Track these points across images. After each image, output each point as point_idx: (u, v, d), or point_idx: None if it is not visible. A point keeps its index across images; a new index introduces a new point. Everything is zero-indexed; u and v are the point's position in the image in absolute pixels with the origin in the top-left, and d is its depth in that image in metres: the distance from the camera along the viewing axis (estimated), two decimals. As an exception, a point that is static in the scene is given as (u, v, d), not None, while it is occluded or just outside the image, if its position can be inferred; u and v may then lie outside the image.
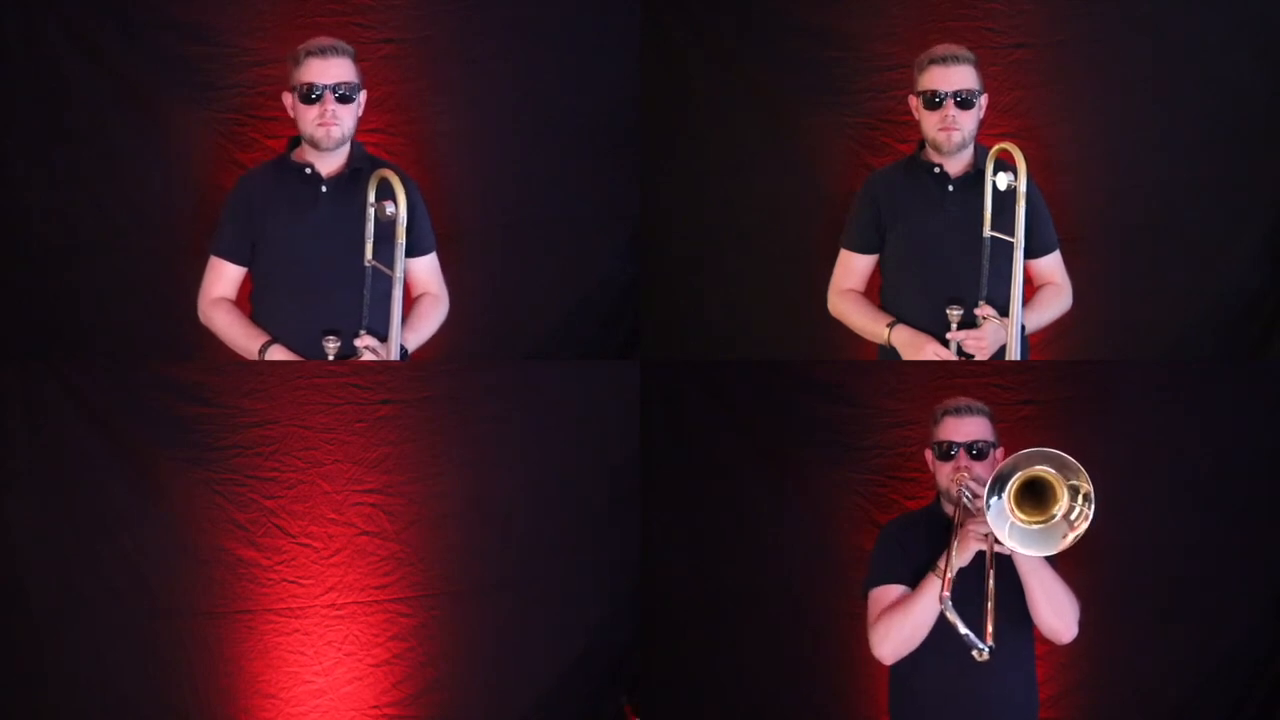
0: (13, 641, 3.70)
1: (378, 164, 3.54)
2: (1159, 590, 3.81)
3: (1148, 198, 3.94)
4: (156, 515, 3.72)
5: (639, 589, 3.79)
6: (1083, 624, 3.34)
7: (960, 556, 3.20)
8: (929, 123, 3.56)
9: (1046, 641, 3.38)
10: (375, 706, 3.75)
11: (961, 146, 3.55)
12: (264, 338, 3.51)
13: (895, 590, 3.35)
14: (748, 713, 3.88)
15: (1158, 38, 3.90)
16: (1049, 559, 3.24)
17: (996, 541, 3.15)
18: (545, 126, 3.92)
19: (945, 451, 3.41)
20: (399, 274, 3.38)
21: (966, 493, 3.30)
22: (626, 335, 3.94)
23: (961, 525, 3.24)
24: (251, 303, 3.59)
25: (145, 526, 3.71)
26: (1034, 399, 3.81)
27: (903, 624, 3.28)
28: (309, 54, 3.47)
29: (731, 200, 3.98)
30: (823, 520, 3.86)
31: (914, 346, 3.55)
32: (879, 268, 3.70)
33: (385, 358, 3.45)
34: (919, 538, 3.41)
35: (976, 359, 3.53)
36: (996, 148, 3.47)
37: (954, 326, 3.52)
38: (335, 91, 3.46)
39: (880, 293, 3.69)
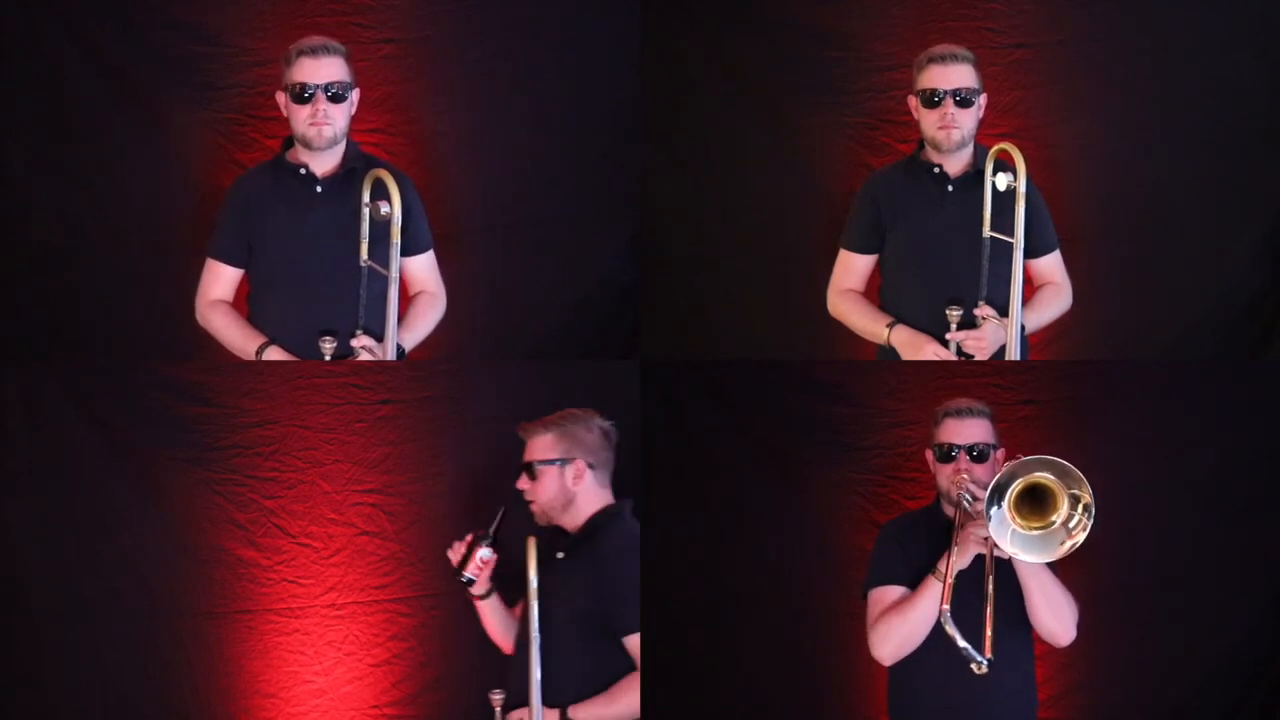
0: (13, 641, 3.70)
1: (373, 163, 3.54)
2: (1159, 590, 3.80)
3: (1148, 198, 3.93)
4: (156, 515, 3.72)
5: (639, 589, 3.79)
6: (1082, 624, 3.34)
7: (960, 560, 3.20)
8: (928, 122, 3.56)
9: (1046, 642, 3.38)
10: (375, 706, 3.75)
11: (961, 145, 3.55)
12: (261, 339, 3.51)
13: (895, 591, 3.35)
14: (748, 712, 3.88)
15: (1158, 38, 3.90)
16: (1048, 562, 3.24)
17: (996, 545, 3.15)
18: (545, 126, 3.92)
19: (946, 453, 3.41)
20: (394, 274, 3.38)
21: (966, 495, 3.29)
22: (626, 335, 3.93)
23: (961, 528, 3.24)
24: (249, 304, 3.60)
25: (145, 526, 3.72)
26: (1034, 399, 3.81)
27: (901, 626, 3.28)
28: (300, 53, 3.47)
29: (731, 200, 3.98)
30: (823, 520, 3.85)
31: (913, 346, 3.55)
32: (879, 268, 3.70)
33: (381, 358, 3.45)
34: (919, 538, 3.41)
35: (976, 359, 3.53)
36: (996, 148, 3.47)
37: (954, 327, 3.52)
38: (327, 91, 3.46)
39: (880, 293, 3.69)
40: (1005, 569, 3.25)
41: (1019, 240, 3.43)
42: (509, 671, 3.38)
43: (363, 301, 3.47)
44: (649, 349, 3.88)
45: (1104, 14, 3.91)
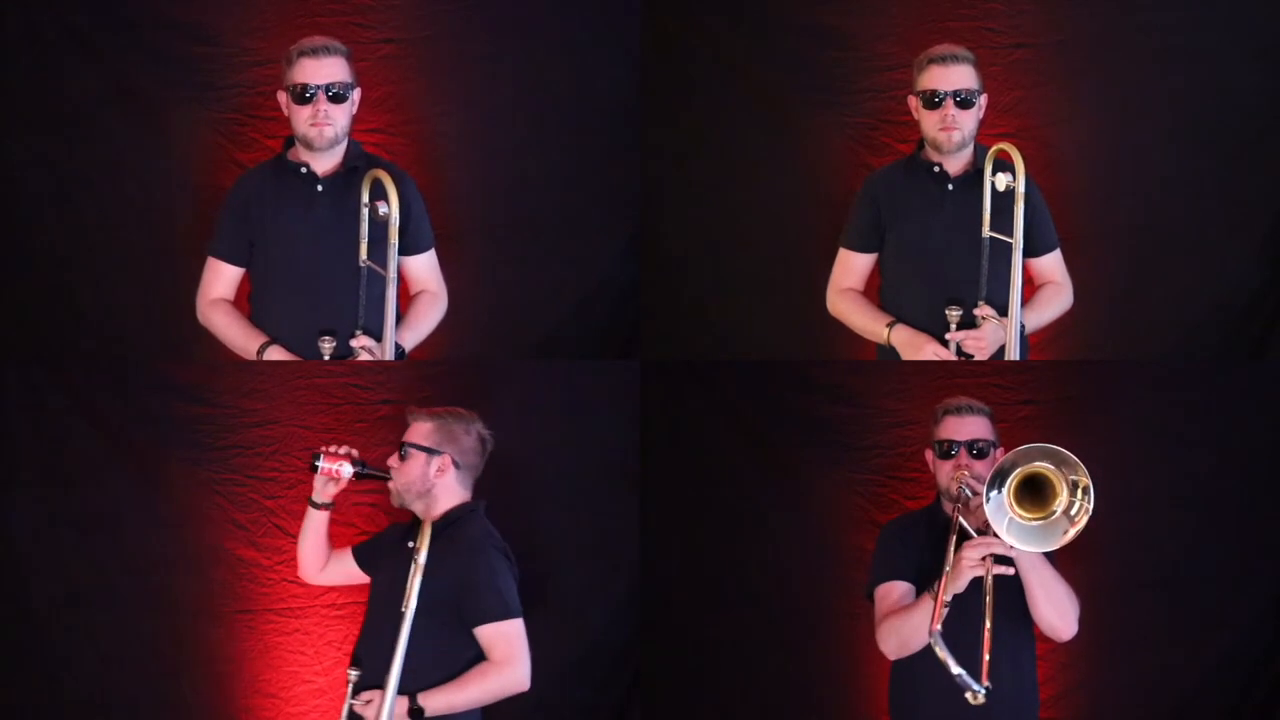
0: (13, 641, 3.70)
1: (374, 162, 3.54)
2: (1159, 590, 3.80)
3: (1148, 198, 3.93)
4: (156, 515, 3.72)
5: (639, 589, 3.79)
6: (1083, 624, 3.34)
7: (955, 583, 3.17)
8: (929, 122, 3.56)
9: (1047, 641, 3.38)
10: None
11: (961, 146, 3.56)
12: (262, 338, 3.51)
13: (899, 586, 3.35)
14: (748, 712, 3.88)
15: (1157, 38, 3.90)
16: (1049, 556, 3.24)
17: (996, 561, 3.14)
18: (545, 126, 3.92)
19: (946, 450, 3.41)
20: (392, 274, 3.38)
21: (967, 491, 3.30)
22: (626, 335, 3.93)
23: (959, 548, 3.21)
24: (250, 303, 3.60)
25: (145, 526, 3.72)
26: (1034, 399, 3.81)
27: (901, 629, 3.28)
28: (301, 54, 3.47)
29: (731, 200, 3.98)
30: (823, 520, 3.86)
31: (913, 346, 3.55)
32: (878, 267, 3.70)
33: (380, 358, 3.45)
34: (919, 537, 3.41)
35: (976, 359, 3.53)
36: (995, 148, 3.47)
37: (953, 327, 3.52)
38: (328, 91, 3.47)
39: (880, 292, 3.69)
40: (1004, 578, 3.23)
41: (1018, 240, 3.43)
42: (361, 651, 3.35)
43: (362, 301, 3.47)
44: (649, 349, 3.88)
45: (1104, 14, 3.91)
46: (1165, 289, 3.95)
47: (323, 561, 3.53)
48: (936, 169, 3.59)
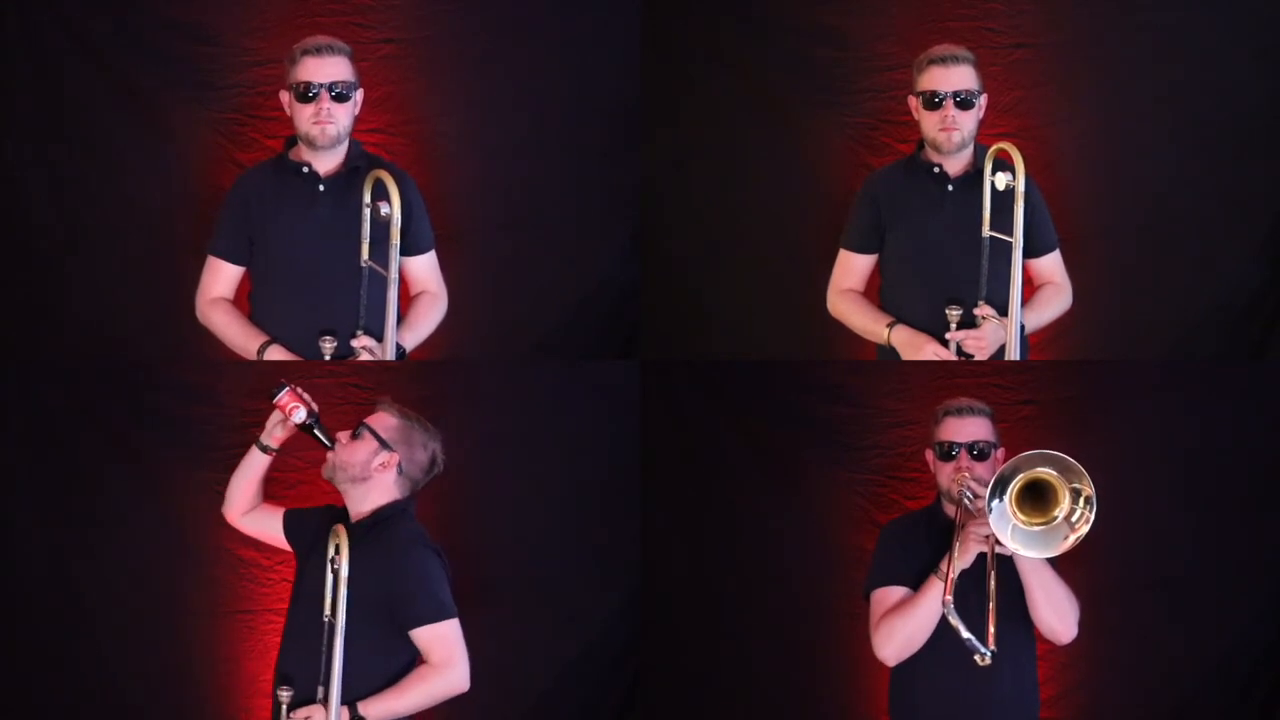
0: (13, 641, 3.70)
1: (376, 163, 3.54)
2: (1159, 590, 3.81)
3: (1148, 197, 3.93)
4: (156, 515, 3.72)
5: (639, 589, 3.79)
6: (1083, 624, 3.34)
7: (962, 559, 3.20)
8: (929, 123, 3.56)
9: (1046, 641, 3.38)
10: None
11: (961, 146, 3.55)
12: (263, 338, 3.51)
13: (897, 592, 3.35)
14: (748, 712, 3.88)
15: (1158, 38, 3.90)
16: (1050, 559, 3.24)
17: (998, 543, 3.15)
18: (545, 126, 3.92)
19: (946, 452, 3.41)
20: (393, 274, 3.38)
21: (967, 493, 3.30)
22: (626, 335, 3.93)
23: (963, 527, 3.24)
24: (250, 302, 3.60)
25: (145, 526, 3.72)
26: (1034, 399, 3.81)
27: (904, 626, 3.28)
28: (305, 53, 3.47)
29: (731, 200, 3.98)
30: (823, 520, 3.86)
31: (914, 347, 3.55)
32: (878, 267, 3.70)
33: (381, 358, 3.45)
34: (920, 538, 3.41)
35: (976, 359, 3.53)
36: (995, 148, 3.47)
37: (953, 327, 3.52)
38: (331, 90, 3.47)
39: (880, 292, 3.69)
40: (1006, 567, 3.25)
41: (1018, 240, 3.43)
42: (288, 666, 3.28)
43: (363, 302, 3.47)
44: (649, 349, 3.88)
45: (1104, 14, 3.91)
46: (1165, 289, 3.95)
47: (248, 506, 3.46)
48: (936, 169, 3.59)
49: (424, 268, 3.65)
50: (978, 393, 3.66)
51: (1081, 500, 3.06)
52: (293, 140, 3.56)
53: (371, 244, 3.47)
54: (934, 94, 3.53)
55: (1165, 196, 3.93)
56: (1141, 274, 3.95)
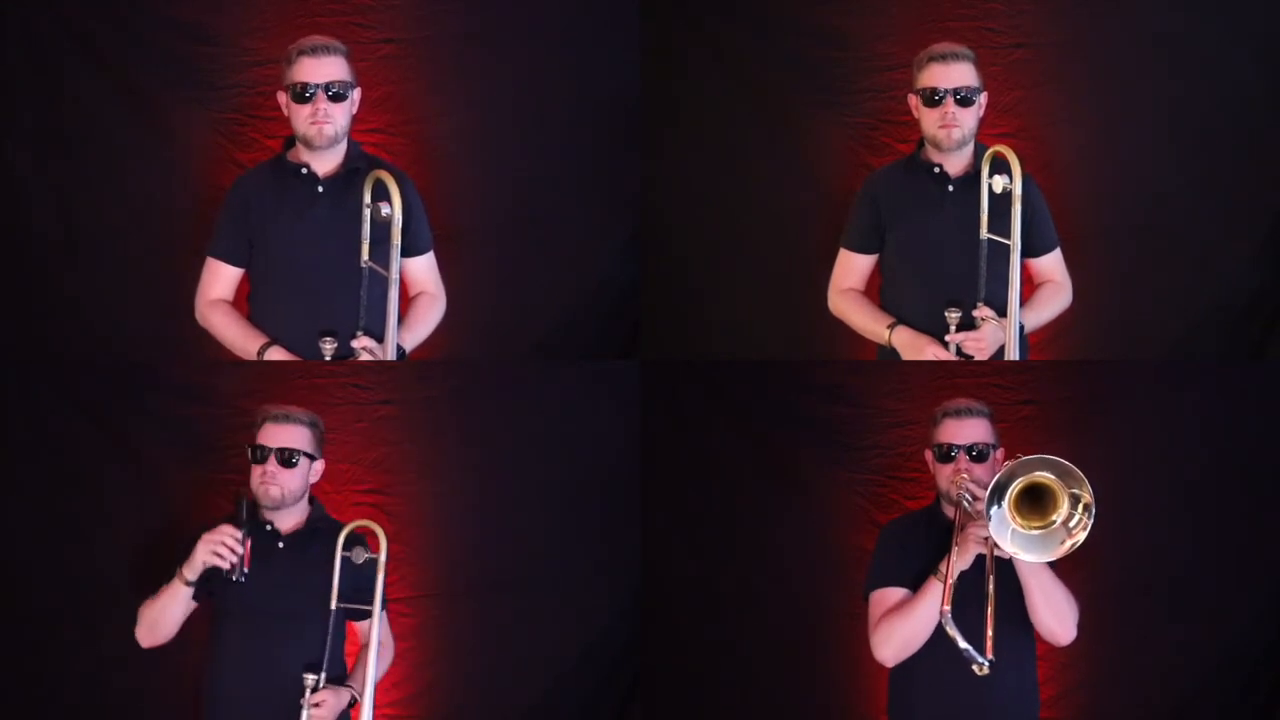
0: (13, 641, 3.70)
1: (375, 163, 3.54)
2: (1159, 590, 3.80)
3: (1148, 197, 3.93)
4: (156, 515, 3.72)
5: (639, 589, 3.79)
6: (1083, 624, 3.34)
7: (961, 560, 3.20)
8: (929, 120, 3.56)
9: (1046, 642, 3.38)
10: (375, 706, 3.73)
11: (962, 144, 3.55)
12: (262, 339, 3.51)
13: (896, 593, 3.35)
14: (747, 713, 3.88)
15: (1157, 38, 3.90)
16: (1049, 562, 3.24)
17: (997, 545, 3.15)
18: (545, 126, 3.92)
19: (945, 453, 3.41)
20: (394, 275, 3.38)
21: (966, 495, 3.30)
22: (626, 335, 3.93)
23: (962, 529, 3.24)
24: (249, 304, 3.60)
25: (145, 525, 3.72)
26: (1034, 399, 3.81)
27: (903, 628, 3.28)
28: (301, 53, 3.47)
29: (731, 200, 3.98)
30: (823, 520, 3.86)
31: (914, 348, 3.55)
32: (879, 267, 3.70)
33: (382, 359, 3.45)
34: (919, 539, 3.41)
35: (976, 360, 3.53)
36: (992, 150, 3.47)
37: (953, 328, 3.52)
38: (328, 90, 3.47)
39: (880, 292, 3.69)
40: (1006, 569, 3.25)
41: (1015, 243, 3.43)
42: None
43: (363, 302, 3.47)
44: (649, 349, 3.88)
45: (1104, 14, 3.90)
46: (1165, 289, 3.95)
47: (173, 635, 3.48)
48: (937, 169, 3.59)
49: (423, 268, 3.65)
50: (977, 393, 3.66)
51: (1080, 507, 3.06)
52: (291, 141, 3.56)
53: (372, 244, 3.47)
54: (934, 91, 3.53)
55: (1165, 196, 3.93)
56: (1141, 274, 3.94)
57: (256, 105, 3.79)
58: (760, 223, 3.98)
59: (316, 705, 3.34)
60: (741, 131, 3.97)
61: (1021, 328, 3.53)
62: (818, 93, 3.95)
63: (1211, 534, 3.80)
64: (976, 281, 3.51)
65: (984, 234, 3.50)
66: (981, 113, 3.59)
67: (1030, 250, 3.54)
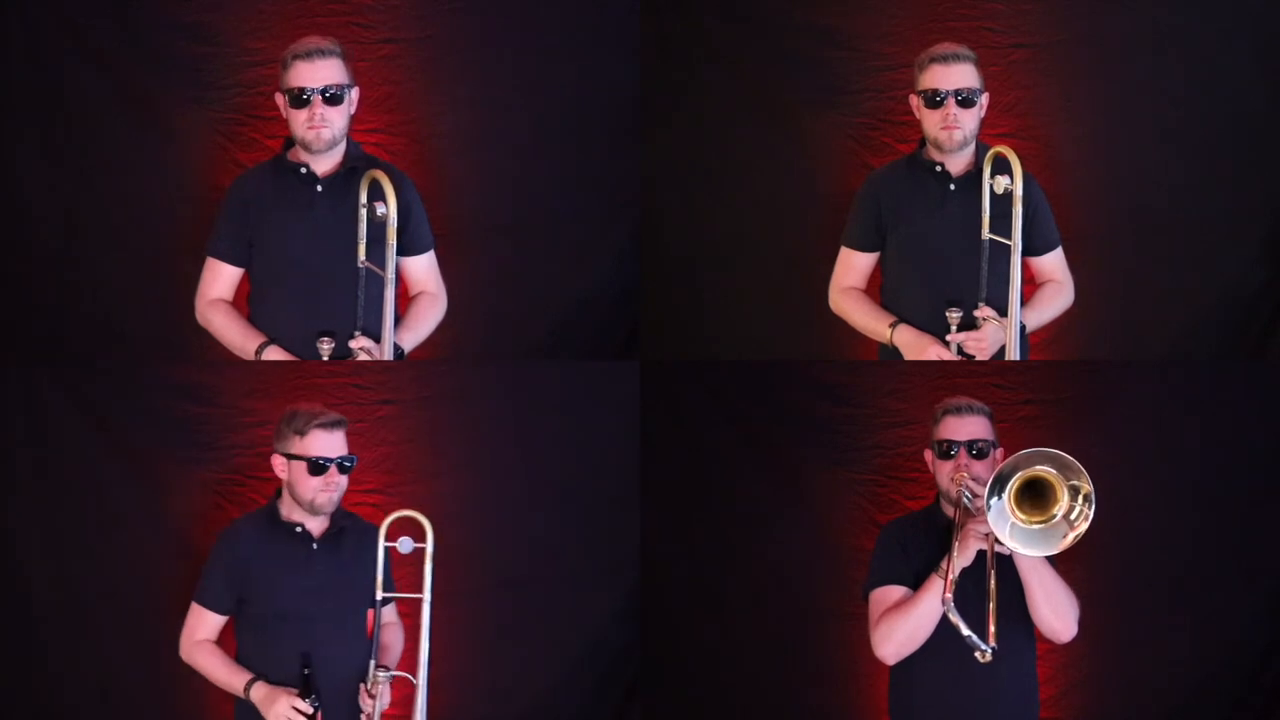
0: (13, 641, 3.71)
1: (374, 163, 3.54)
2: (1159, 590, 3.81)
3: (1148, 197, 3.93)
4: (156, 515, 3.72)
5: (639, 589, 3.79)
6: (1083, 624, 3.34)
7: (962, 556, 3.21)
8: (930, 122, 3.56)
9: (1046, 641, 3.38)
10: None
11: (963, 145, 3.55)
12: (261, 338, 3.51)
13: (896, 591, 3.35)
14: (747, 712, 3.88)
15: (1157, 37, 3.90)
16: (1049, 559, 3.25)
17: (998, 540, 3.16)
18: (545, 126, 3.92)
19: (945, 451, 3.41)
20: (390, 275, 3.38)
21: (966, 493, 3.30)
22: (626, 335, 3.93)
23: (962, 526, 3.24)
24: (249, 303, 3.59)
25: (145, 526, 3.72)
26: (1034, 399, 3.81)
27: (904, 625, 3.28)
28: (296, 57, 3.47)
29: (731, 200, 3.98)
30: (823, 520, 3.86)
31: (917, 347, 3.55)
32: (880, 266, 3.70)
33: (379, 359, 3.45)
34: (919, 538, 3.41)
35: (977, 360, 3.53)
36: (993, 150, 3.47)
37: (954, 328, 3.52)
38: (324, 94, 3.46)
39: (881, 291, 3.69)
40: (1006, 566, 3.25)
41: (1017, 243, 3.44)
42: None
43: (361, 302, 3.47)
44: (649, 349, 3.88)
45: (1104, 14, 3.91)
46: (1165, 289, 3.95)
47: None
48: (939, 168, 3.59)
49: (423, 267, 3.65)
50: (978, 393, 3.66)
51: (1080, 498, 3.07)
52: (291, 141, 3.56)
53: (368, 244, 3.47)
54: (935, 92, 3.53)
55: (1166, 197, 3.93)
56: (1141, 274, 3.95)
57: (256, 105, 3.79)
58: (760, 223, 3.98)
59: (372, 697, 3.35)
60: (741, 131, 3.97)
61: (1023, 327, 3.53)
62: (818, 93, 3.95)
63: (1211, 534, 3.80)
64: (978, 281, 3.51)
65: (986, 234, 3.50)
66: (983, 113, 3.59)
67: (1031, 249, 3.54)
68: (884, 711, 3.53)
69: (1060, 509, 3.08)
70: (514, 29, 3.90)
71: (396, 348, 3.50)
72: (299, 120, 3.48)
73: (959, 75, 3.52)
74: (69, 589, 3.71)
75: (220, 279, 3.57)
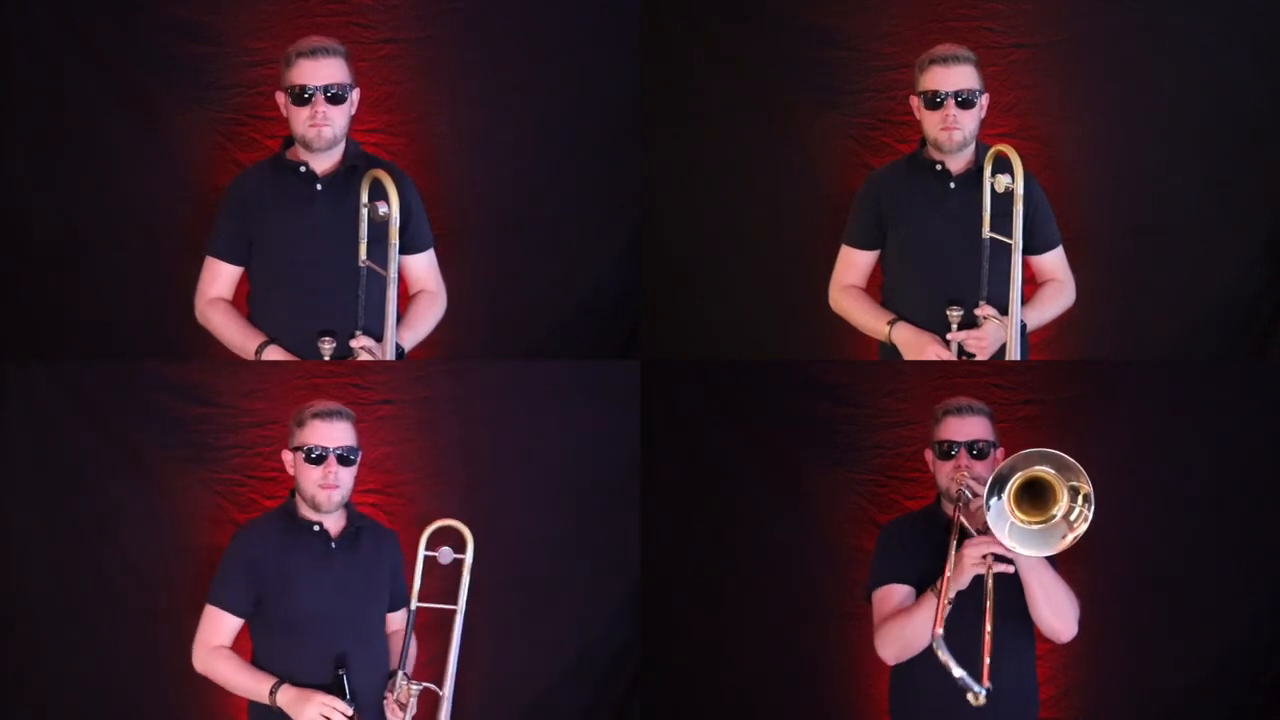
0: (13, 642, 3.70)
1: (374, 162, 3.54)
2: (1159, 590, 3.81)
3: (1148, 197, 3.94)
4: (156, 515, 3.72)
5: (639, 589, 3.79)
6: (1083, 624, 3.34)
7: (957, 581, 3.18)
8: (930, 123, 3.56)
9: (1046, 641, 3.38)
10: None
11: (963, 145, 3.56)
12: (261, 338, 3.51)
13: (898, 590, 3.35)
14: (747, 712, 3.88)
15: (1157, 37, 3.90)
16: (1049, 559, 3.24)
17: (997, 559, 3.14)
18: (545, 126, 3.92)
19: (946, 451, 3.41)
20: (392, 274, 3.38)
21: (966, 492, 3.30)
22: (626, 335, 3.94)
23: (959, 550, 3.22)
24: (249, 303, 3.59)
25: (145, 526, 3.72)
26: (1034, 399, 3.81)
27: (903, 632, 3.28)
28: (299, 55, 3.47)
29: (731, 200, 3.99)
30: (823, 520, 3.86)
31: (916, 346, 3.55)
32: (880, 265, 3.70)
33: (381, 358, 3.45)
34: (919, 538, 3.41)
35: (977, 359, 3.54)
36: (994, 149, 3.47)
37: (954, 327, 3.52)
38: (326, 93, 3.46)
39: (881, 290, 3.69)
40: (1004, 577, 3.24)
41: (1017, 242, 3.44)
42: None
43: (362, 301, 3.47)
44: (649, 349, 3.88)
45: (1104, 14, 3.91)
46: (1165, 289, 3.95)
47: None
48: (939, 167, 3.59)
49: (423, 266, 3.65)
50: (978, 393, 3.66)
51: (1080, 498, 3.07)
52: (291, 140, 3.56)
53: (370, 243, 3.47)
54: (935, 94, 3.53)
55: (1165, 196, 3.93)
56: (1141, 274, 3.95)
57: (256, 105, 3.79)
58: (760, 223, 3.99)
59: (403, 706, 3.34)
60: (741, 131, 3.97)
61: (1024, 326, 3.53)
62: (818, 93, 3.95)
63: (1211, 534, 3.81)
64: (978, 280, 3.51)
65: (986, 233, 3.50)
66: (983, 114, 3.59)
67: (1032, 248, 3.55)
68: (884, 711, 3.53)
69: (1060, 509, 3.08)
70: (514, 29, 3.90)
71: (397, 347, 3.50)
72: (300, 118, 3.48)
73: (959, 77, 3.52)
74: (69, 589, 3.71)
75: (220, 278, 3.57)
